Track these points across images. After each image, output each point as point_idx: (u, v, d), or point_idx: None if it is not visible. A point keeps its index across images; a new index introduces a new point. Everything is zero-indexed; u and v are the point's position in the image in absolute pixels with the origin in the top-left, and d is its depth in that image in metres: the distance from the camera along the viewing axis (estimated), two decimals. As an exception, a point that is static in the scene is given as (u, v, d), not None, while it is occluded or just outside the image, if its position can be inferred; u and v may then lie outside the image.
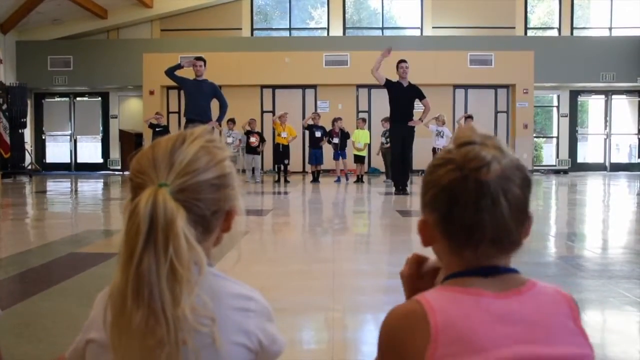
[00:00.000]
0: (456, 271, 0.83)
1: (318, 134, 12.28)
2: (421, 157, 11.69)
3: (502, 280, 0.82)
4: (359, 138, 12.34)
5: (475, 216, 0.79)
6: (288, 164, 12.41)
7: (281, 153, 12.31)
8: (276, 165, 13.03)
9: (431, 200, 0.84)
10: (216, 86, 8.43)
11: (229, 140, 12.15)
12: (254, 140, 11.98)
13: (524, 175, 0.82)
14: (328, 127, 12.45)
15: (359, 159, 12.35)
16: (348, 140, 12.48)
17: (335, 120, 12.50)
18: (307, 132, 13.06)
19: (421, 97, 8.65)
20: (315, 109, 15.70)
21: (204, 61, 8.27)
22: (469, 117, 12.38)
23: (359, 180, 12.03)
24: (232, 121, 12.32)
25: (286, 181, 12.01)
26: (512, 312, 0.78)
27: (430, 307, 0.78)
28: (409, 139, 8.66)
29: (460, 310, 0.78)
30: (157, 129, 12.31)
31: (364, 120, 12.80)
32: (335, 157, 12.32)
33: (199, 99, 8.10)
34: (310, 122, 12.40)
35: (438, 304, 0.79)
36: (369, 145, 13.24)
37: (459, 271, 0.83)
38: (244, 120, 12.52)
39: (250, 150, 12.02)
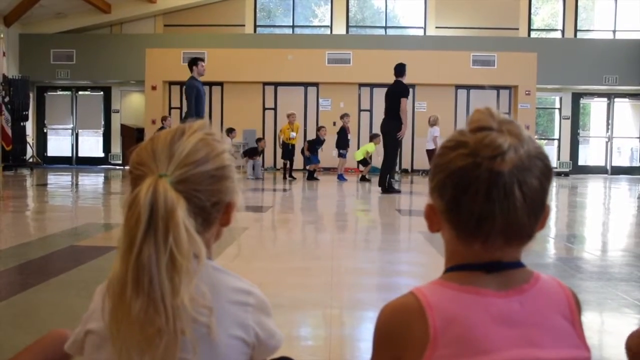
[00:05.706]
0: (458, 264, 0.79)
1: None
2: (420, 157, 11.63)
3: (505, 277, 0.78)
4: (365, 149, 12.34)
5: (485, 207, 0.73)
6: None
7: (289, 152, 12.43)
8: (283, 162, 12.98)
9: (439, 185, 0.78)
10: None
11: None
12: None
13: (544, 164, 0.76)
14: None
15: (363, 162, 12.37)
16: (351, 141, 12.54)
17: (341, 117, 12.53)
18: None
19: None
20: (317, 107, 15.72)
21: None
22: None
23: (364, 179, 11.93)
24: (230, 130, 12.54)
25: (291, 177, 12.32)
26: (512, 313, 0.75)
27: (427, 302, 0.76)
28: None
29: (460, 309, 0.75)
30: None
31: (376, 135, 11.89)
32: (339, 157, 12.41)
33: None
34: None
35: (436, 301, 0.76)
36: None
37: (461, 264, 0.79)
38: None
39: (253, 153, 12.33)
